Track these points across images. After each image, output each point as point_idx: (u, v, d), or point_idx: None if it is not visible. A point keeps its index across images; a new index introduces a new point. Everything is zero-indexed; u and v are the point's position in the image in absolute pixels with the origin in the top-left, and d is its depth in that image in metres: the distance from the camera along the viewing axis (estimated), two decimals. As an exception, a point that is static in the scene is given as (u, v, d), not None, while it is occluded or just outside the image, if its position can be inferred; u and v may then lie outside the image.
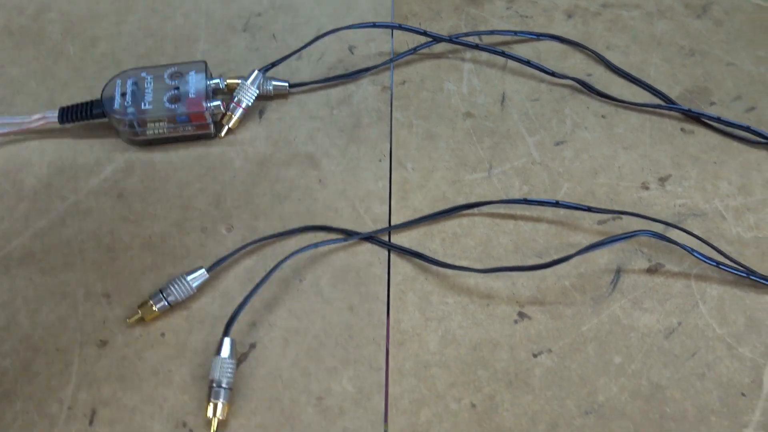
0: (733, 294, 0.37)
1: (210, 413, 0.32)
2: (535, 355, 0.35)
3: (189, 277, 0.36)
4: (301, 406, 0.34)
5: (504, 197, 0.40)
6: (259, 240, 0.38)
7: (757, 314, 0.36)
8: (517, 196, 0.40)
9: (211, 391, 0.33)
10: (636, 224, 0.39)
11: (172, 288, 0.36)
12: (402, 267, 0.38)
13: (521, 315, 0.36)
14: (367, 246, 0.38)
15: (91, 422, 0.33)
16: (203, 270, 0.36)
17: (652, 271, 0.38)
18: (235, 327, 0.35)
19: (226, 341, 0.34)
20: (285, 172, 0.41)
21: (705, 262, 0.37)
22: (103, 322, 0.36)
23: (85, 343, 0.35)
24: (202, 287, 0.37)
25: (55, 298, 0.37)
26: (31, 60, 0.46)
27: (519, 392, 0.34)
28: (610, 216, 0.39)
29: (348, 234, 0.39)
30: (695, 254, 0.37)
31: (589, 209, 0.39)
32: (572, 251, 0.36)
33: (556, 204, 0.39)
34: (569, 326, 0.36)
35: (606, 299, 0.37)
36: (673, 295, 0.37)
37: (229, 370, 0.33)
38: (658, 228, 0.38)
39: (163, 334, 0.36)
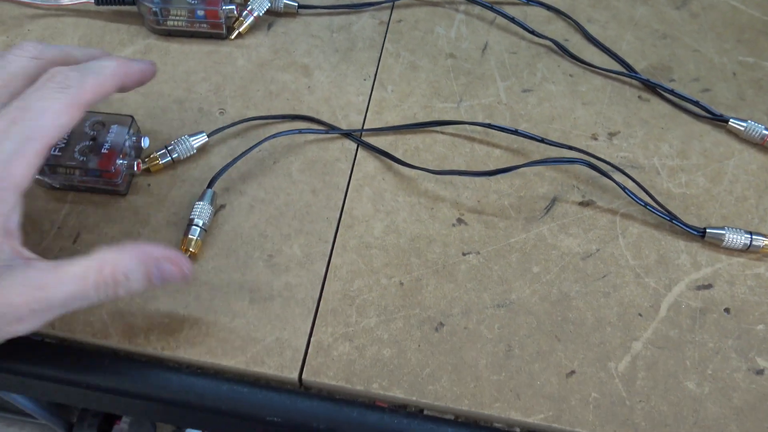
0: (651, 234, 0.41)
1: (185, 246, 0.38)
2: (464, 254, 0.40)
3: (191, 139, 0.42)
4: (254, 259, 0.39)
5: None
6: (252, 119, 0.44)
7: (669, 254, 0.41)
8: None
9: (189, 228, 0.38)
10: (582, 169, 0.43)
11: (177, 146, 0.41)
12: (365, 166, 0.43)
13: (459, 221, 0.41)
14: (339, 144, 0.44)
15: (74, 241, 0.39)
16: (204, 134, 0.42)
17: (584, 204, 0.42)
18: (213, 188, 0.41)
19: (209, 191, 0.40)
20: (280, 75, 0.47)
21: (635, 201, 0.41)
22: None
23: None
24: (197, 151, 0.42)
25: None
26: (81, -46, 0.52)
27: (443, 280, 0.39)
28: (558, 150, 0.44)
29: (329, 127, 0.44)
30: (627, 192, 0.41)
31: (543, 140, 0.43)
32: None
33: (515, 132, 0.44)
34: (500, 236, 0.41)
35: (537, 221, 0.42)
36: (598, 227, 0.41)
37: (207, 214, 0.39)
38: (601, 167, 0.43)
39: (149, 185, 0.41)
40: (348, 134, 0.44)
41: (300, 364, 0.36)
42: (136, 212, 0.40)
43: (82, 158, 0.38)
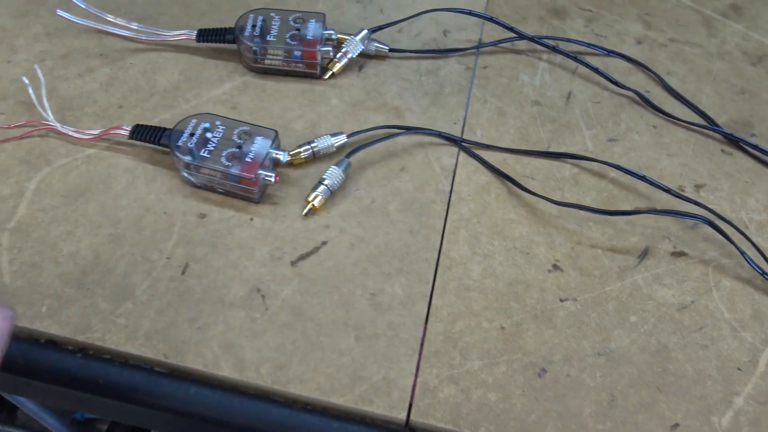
0: (744, 288, 0.42)
1: (310, 198, 0.42)
2: (561, 300, 0.41)
3: (333, 138, 0.44)
4: (357, 297, 0.40)
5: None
6: (386, 126, 0.47)
7: (764, 309, 0.41)
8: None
9: (318, 185, 0.42)
10: (671, 221, 0.44)
11: (319, 142, 0.44)
12: (459, 208, 0.44)
13: (555, 266, 0.42)
14: (432, 185, 0.45)
15: (183, 272, 0.40)
16: (344, 135, 0.45)
17: (675, 255, 0.43)
18: (311, 224, 0.42)
19: (345, 160, 0.44)
20: (372, 116, 0.48)
21: (754, 268, 0.41)
22: (204, 199, 0.43)
23: (187, 212, 0.42)
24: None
25: (169, 172, 0.43)
26: (177, -9, 0.54)
27: (543, 326, 0.39)
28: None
29: (446, 138, 0.47)
30: (747, 258, 0.41)
31: (669, 191, 0.44)
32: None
33: (643, 178, 0.44)
34: (595, 284, 0.41)
35: (631, 270, 0.42)
36: (691, 279, 0.42)
37: (338, 179, 0.43)
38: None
39: (251, 219, 0.42)
40: (461, 144, 0.47)
41: (407, 404, 0.36)
42: (240, 246, 0.41)
43: (227, 163, 0.41)
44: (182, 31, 0.49)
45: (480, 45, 0.53)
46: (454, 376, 0.37)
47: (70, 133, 0.44)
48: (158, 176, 0.43)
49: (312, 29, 0.48)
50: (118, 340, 0.37)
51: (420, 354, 0.38)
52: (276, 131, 0.43)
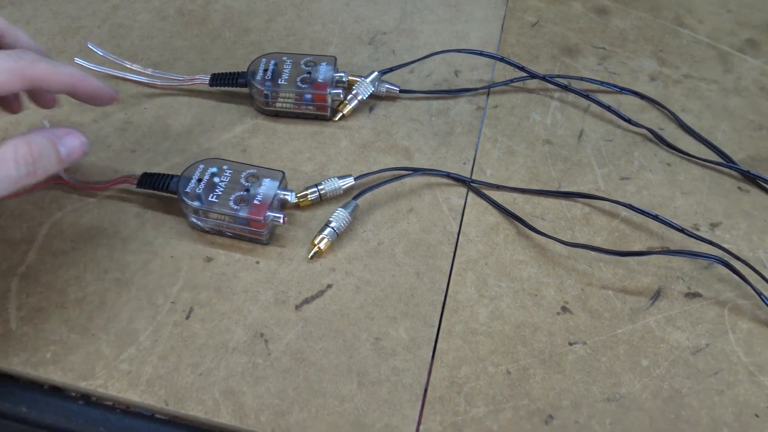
0: (761, 330, 0.40)
1: (316, 241, 0.42)
2: (570, 344, 0.40)
3: (340, 181, 0.45)
4: (361, 341, 0.39)
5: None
6: (395, 168, 0.47)
7: (783, 353, 0.40)
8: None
9: (324, 228, 0.43)
10: (685, 260, 0.43)
11: (326, 185, 0.45)
12: (467, 249, 0.43)
13: (564, 309, 0.41)
14: (440, 226, 0.44)
15: (187, 317, 0.40)
16: (351, 177, 0.45)
17: (690, 296, 0.42)
18: (317, 267, 0.42)
19: (353, 202, 0.44)
20: (382, 157, 0.48)
21: (761, 298, 0.40)
22: (211, 243, 0.43)
23: (194, 256, 0.43)
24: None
25: (176, 217, 0.44)
26: (194, 37, 0.56)
27: (551, 371, 0.39)
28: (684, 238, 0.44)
29: (454, 178, 0.47)
30: (752, 287, 0.40)
31: (683, 230, 0.43)
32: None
33: (656, 217, 0.43)
34: (606, 327, 0.40)
35: (643, 312, 0.41)
36: (706, 321, 0.41)
37: (345, 221, 0.43)
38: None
39: (257, 262, 0.42)
40: (470, 184, 0.47)
41: (410, 453, 0.35)
42: (245, 290, 0.41)
43: (235, 206, 0.41)
44: (196, 76, 0.50)
45: (491, 85, 0.53)
46: (458, 423, 0.36)
47: (79, 186, 0.45)
48: (166, 221, 0.44)
49: (323, 72, 0.49)
50: (120, 386, 0.37)
51: (423, 400, 0.37)
52: (283, 172, 0.43)
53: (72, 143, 0.37)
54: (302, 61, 0.49)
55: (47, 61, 0.36)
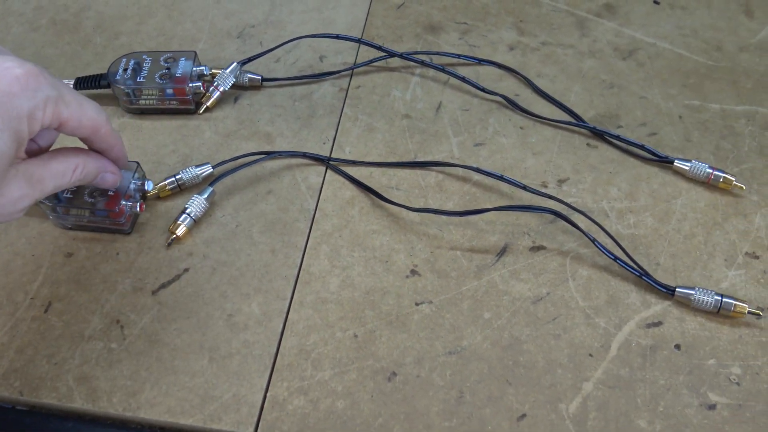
0: (600, 275, 0.42)
1: (172, 228, 0.44)
2: (417, 304, 0.41)
3: (197, 169, 0.46)
4: (214, 319, 0.41)
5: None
6: (253, 153, 0.47)
7: (619, 294, 0.41)
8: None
9: (181, 215, 0.44)
10: (531, 217, 0.45)
11: (183, 174, 0.46)
12: (322, 224, 0.45)
13: (413, 272, 0.43)
14: (297, 204, 0.46)
15: (46, 311, 0.41)
16: (209, 165, 0.47)
17: (534, 249, 0.44)
18: (175, 253, 0.43)
19: (209, 189, 0.45)
20: (244, 144, 0.50)
21: (607, 255, 0.42)
22: (73, 239, 0.44)
23: (55, 253, 0.44)
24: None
25: (39, 217, 0.45)
26: (65, 45, 0.57)
27: (396, 331, 0.40)
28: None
29: (312, 158, 0.49)
30: (598, 245, 0.42)
31: (525, 188, 0.45)
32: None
33: (501, 177, 0.45)
34: (452, 285, 0.42)
35: (488, 268, 0.43)
36: (548, 271, 0.43)
37: (201, 207, 0.45)
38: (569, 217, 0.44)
39: (118, 253, 0.44)
40: (328, 161, 0.48)
41: (256, 419, 0.37)
42: (104, 280, 0.42)
43: (90, 200, 0.43)
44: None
45: (353, 66, 0.54)
46: (304, 387, 0.38)
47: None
48: (29, 222, 0.45)
49: (182, 67, 0.50)
50: (-25, 381, 0.38)
51: (272, 369, 0.39)
52: (138, 162, 0.45)
53: (108, 180, 0.40)
54: (162, 58, 0.51)
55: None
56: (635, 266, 0.42)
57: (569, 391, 0.38)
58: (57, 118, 0.33)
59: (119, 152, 0.40)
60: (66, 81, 0.51)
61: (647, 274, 0.41)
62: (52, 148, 0.38)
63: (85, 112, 0.35)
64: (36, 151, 0.38)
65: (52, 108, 0.33)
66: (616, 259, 0.42)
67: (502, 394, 0.38)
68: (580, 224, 0.43)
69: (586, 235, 0.42)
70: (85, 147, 0.38)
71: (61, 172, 0.36)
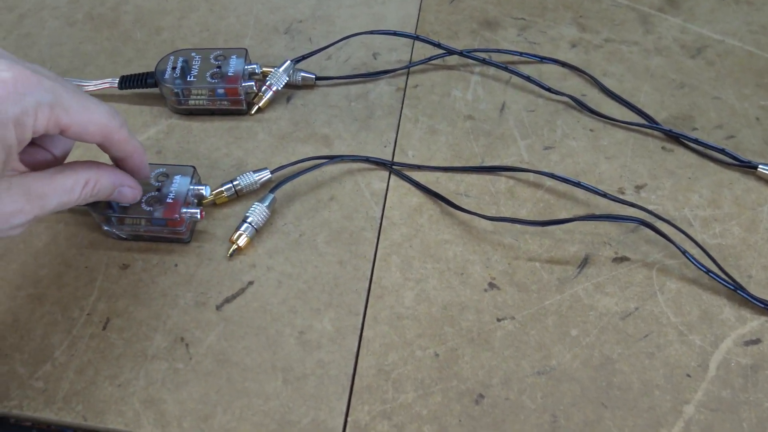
0: (690, 290, 0.40)
1: (234, 238, 0.41)
2: (498, 320, 0.39)
3: (255, 175, 0.44)
4: (285, 336, 0.38)
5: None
6: (313, 158, 0.45)
7: (712, 309, 0.39)
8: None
9: (241, 224, 0.41)
10: (611, 225, 0.43)
11: (241, 180, 0.43)
12: (390, 233, 0.43)
13: (491, 285, 0.40)
14: (362, 212, 0.43)
15: (104, 327, 0.38)
16: (267, 170, 0.44)
17: (617, 261, 0.41)
18: (237, 265, 0.41)
19: (270, 195, 0.42)
20: (301, 147, 0.47)
21: (701, 269, 0.39)
22: (128, 249, 0.42)
23: (110, 265, 0.41)
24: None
25: (90, 226, 0.43)
26: (104, 40, 0.54)
27: (479, 349, 0.38)
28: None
29: (375, 162, 0.46)
30: (689, 257, 0.39)
31: (605, 195, 0.42)
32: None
33: (578, 184, 0.43)
34: (533, 300, 0.40)
35: (571, 281, 0.41)
36: (634, 284, 0.40)
37: (262, 215, 0.42)
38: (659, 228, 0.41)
39: (176, 265, 0.41)
40: (392, 167, 0.46)
41: (338, 445, 0.35)
42: (164, 294, 0.40)
43: (148, 208, 0.40)
44: (105, 80, 0.49)
45: (410, 65, 0.52)
46: (387, 411, 0.36)
47: None
48: (79, 232, 0.42)
49: (233, 65, 0.47)
50: (36, 405, 0.35)
51: (351, 391, 0.36)
52: (194, 167, 0.42)
53: (126, 195, 0.38)
54: (211, 56, 0.48)
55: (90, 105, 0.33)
56: (728, 279, 0.39)
57: (669, 414, 0.35)
58: (55, 124, 0.31)
59: (138, 161, 0.37)
60: (109, 80, 0.49)
61: (742, 288, 0.39)
62: (67, 160, 0.36)
63: (92, 117, 0.32)
64: (51, 161, 0.36)
65: (46, 113, 0.30)
66: (708, 271, 0.39)
67: (599, 418, 0.35)
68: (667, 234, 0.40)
69: (677, 246, 0.40)
70: (105, 160, 0.36)
71: (68, 188, 0.33)
